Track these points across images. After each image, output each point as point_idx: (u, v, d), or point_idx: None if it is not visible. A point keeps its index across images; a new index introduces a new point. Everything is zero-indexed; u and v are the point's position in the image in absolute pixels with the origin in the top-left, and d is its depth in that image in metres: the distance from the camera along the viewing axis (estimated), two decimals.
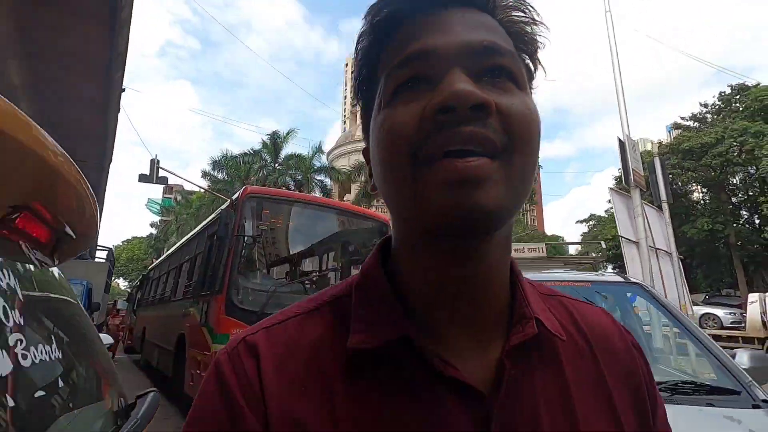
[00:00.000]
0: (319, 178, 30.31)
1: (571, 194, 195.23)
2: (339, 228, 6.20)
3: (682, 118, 29.28)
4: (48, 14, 3.91)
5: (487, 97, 0.34)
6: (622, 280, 2.93)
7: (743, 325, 13.85)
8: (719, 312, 14.90)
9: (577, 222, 51.39)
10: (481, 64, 0.36)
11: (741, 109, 24.13)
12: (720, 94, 26.20)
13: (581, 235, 37.80)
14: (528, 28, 0.41)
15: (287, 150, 30.97)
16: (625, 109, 7.96)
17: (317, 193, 30.04)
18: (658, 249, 7.89)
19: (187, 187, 33.62)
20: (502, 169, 0.34)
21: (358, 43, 0.43)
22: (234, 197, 5.49)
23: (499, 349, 0.40)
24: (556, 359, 0.42)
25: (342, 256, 6.26)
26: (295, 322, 0.42)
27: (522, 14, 0.41)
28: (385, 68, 0.39)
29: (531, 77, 0.42)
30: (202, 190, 28.91)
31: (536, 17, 0.41)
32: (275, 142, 30.61)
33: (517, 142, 0.35)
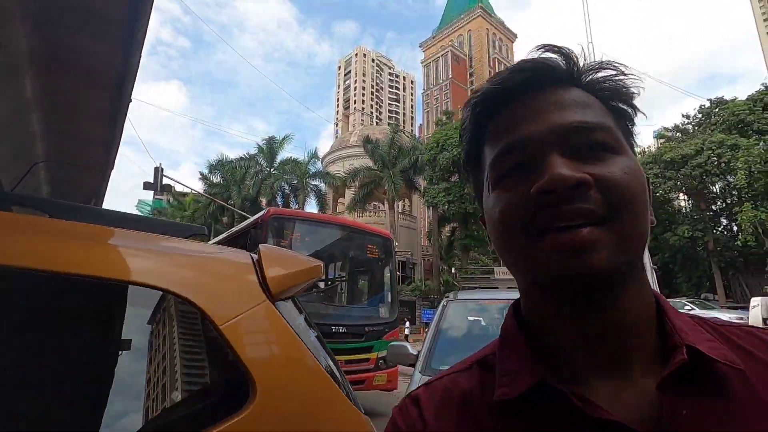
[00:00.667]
0: (314, 183, 30.85)
1: None
2: (349, 243, 6.95)
3: (666, 129, 30.54)
4: (65, 34, 4.17)
5: (582, 175, 0.38)
6: None
7: None
8: (724, 316, 14.52)
9: None
10: (575, 143, 0.40)
11: (720, 122, 25.32)
12: (700, 107, 27.45)
13: None
14: (618, 82, 0.44)
15: (283, 155, 31.44)
16: None
17: (312, 198, 30.58)
18: None
19: (179, 188, 33.82)
20: (610, 232, 0.38)
21: (463, 126, 0.49)
22: (258, 216, 6.20)
23: (654, 385, 0.39)
24: (745, 389, 0.39)
25: (352, 267, 7.00)
26: (450, 378, 0.49)
27: (610, 71, 0.44)
28: (491, 153, 0.45)
29: (632, 122, 0.46)
30: (195, 192, 29.21)
31: (623, 69, 0.44)
32: (271, 147, 31.06)
33: (620, 205, 0.39)
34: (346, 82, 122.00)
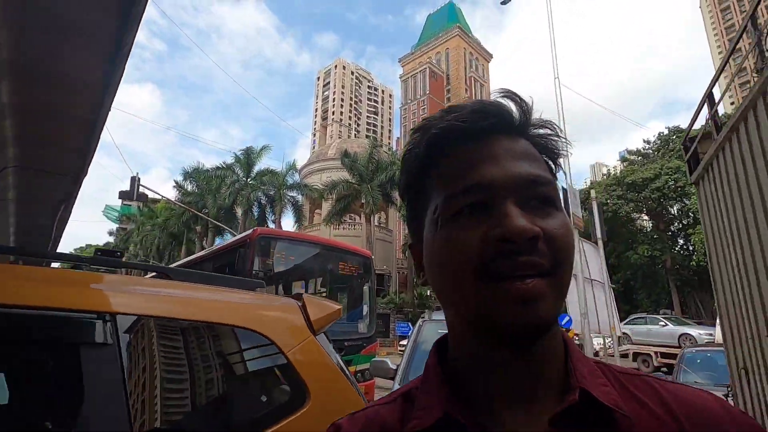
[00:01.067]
0: (291, 194, 30.87)
1: None
2: (331, 261, 7.34)
3: (629, 152, 32.46)
4: (49, 43, 4.12)
5: (538, 230, 0.41)
6: None
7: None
8: (694, 332, 14.87)
9: None
10: (529, 194, 0.44)
11: (676, 148, 27.11)
12: (659, 134, 29.44)
13: None
14: (552, 141, 0.50)
15: (260, 165, 31.23)
16: (569, 163, 9.54)
17: (289, 209, 30.57)
18: (594, 280, 9.44)
19: (154, 196, 33.20)
20: (552, 284, 0.41)
21: (409, 154, 0.51)
22: (245, 235, 6.51)
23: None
24: None
25: (333, 284, 7.38)
26: (373, 409, 0.52)
27: (548, 130, 0.50)
28: (444, 188, 0.46)
29: (555, 175, 0.50)
30: (169, 201, 28.76)
31: (559, 133, 0.50)
32: (249, 157, 30.92)
33: (561, 261, 0.42)
34: (325, 93, 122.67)
